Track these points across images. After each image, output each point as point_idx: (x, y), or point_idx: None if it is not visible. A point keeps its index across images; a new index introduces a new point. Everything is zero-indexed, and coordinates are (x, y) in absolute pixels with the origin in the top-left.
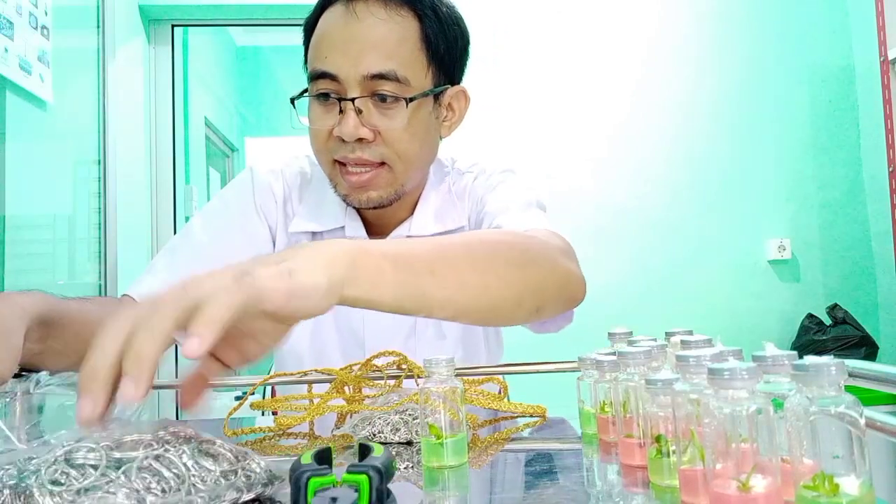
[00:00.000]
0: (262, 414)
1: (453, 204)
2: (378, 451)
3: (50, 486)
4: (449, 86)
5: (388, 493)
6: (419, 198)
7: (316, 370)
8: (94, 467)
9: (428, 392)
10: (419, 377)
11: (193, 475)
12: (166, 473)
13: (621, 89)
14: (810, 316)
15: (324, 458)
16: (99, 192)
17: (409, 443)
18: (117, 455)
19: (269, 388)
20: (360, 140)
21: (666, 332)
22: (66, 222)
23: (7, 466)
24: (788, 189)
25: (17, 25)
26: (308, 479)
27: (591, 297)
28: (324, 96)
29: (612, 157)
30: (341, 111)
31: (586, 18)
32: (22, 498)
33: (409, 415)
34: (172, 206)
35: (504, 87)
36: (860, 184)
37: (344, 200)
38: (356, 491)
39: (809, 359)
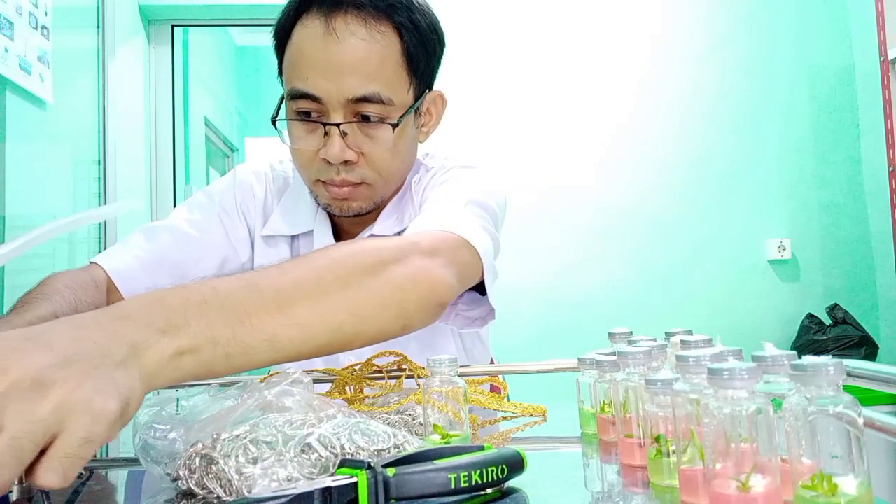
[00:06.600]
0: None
1: (411, 201)
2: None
3: (236, 461)
4: (427, 92)
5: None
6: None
7: (317, 370)
8: (270, 444)
9: (431, 391)
10: (419, 377)
11: (348, 453)
12: (323, 452)
13: (621, 90)
14: (810, 316)
15: None
16: (99, 192)
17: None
18: (288, 432)
19: None
20: (344, 162)
21: (666, 332)
22: None
23: (197, 442)
24: (788, 189)
25: (17, 25)
26: None
27: (592, 296)
28: (305, 114)
29: (612, 158)
30: (326, 133)
31: (588, 18)
32: (209, 465)
33: (409, 414)
34: (172, 206)
35: (503, 86)
36: (860, 184)
37: (325, 209)
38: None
39: (808, 359)
